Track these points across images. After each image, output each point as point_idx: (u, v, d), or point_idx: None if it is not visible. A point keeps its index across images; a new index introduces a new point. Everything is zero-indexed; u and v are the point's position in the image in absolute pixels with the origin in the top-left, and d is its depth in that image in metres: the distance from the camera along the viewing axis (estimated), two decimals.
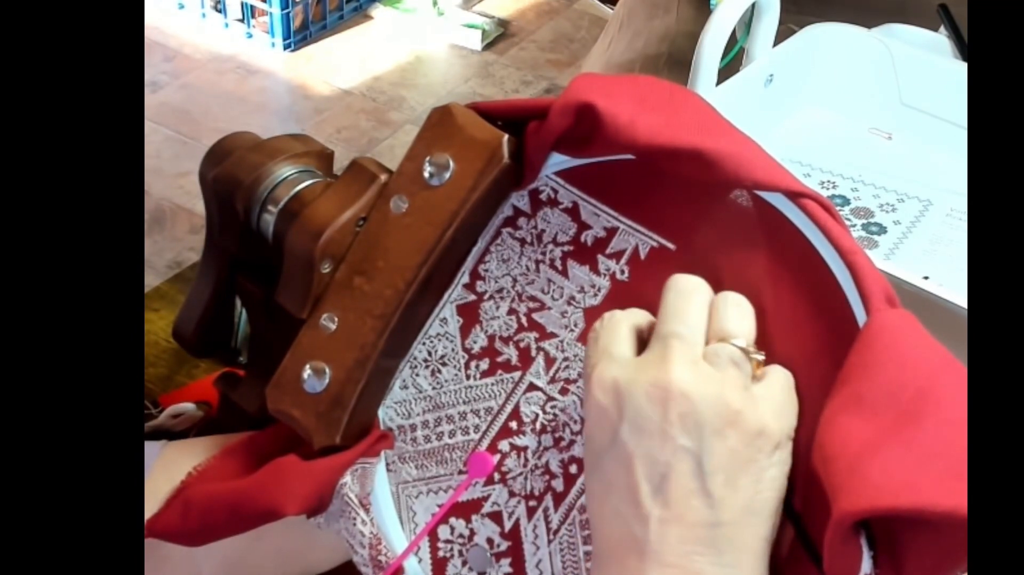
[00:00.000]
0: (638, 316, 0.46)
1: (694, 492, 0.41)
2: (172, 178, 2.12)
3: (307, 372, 0.50)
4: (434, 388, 0.52)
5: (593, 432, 0.43)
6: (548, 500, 0.50)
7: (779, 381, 0.44)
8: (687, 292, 0.44)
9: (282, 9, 2.46)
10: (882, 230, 0.77)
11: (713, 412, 0.41)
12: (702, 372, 0.42)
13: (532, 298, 0.51)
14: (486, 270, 0.51)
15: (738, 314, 0.44)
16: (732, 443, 0.41)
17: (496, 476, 0.51)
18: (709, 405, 0.41)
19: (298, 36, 2.54)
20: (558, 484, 0.50)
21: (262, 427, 0.55)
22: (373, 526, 0.52)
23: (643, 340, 0.45)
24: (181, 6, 2.61)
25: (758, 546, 0.41)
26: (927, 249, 0.75)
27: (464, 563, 0.52)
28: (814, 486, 0.41)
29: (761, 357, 0.44)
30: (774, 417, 0.42)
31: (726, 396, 0.41)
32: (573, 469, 0.49)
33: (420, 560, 0.53)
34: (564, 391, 0.50)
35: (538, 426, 0.50)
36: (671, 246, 0.48)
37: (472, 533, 0.52)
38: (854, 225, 0.77)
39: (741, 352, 0.43)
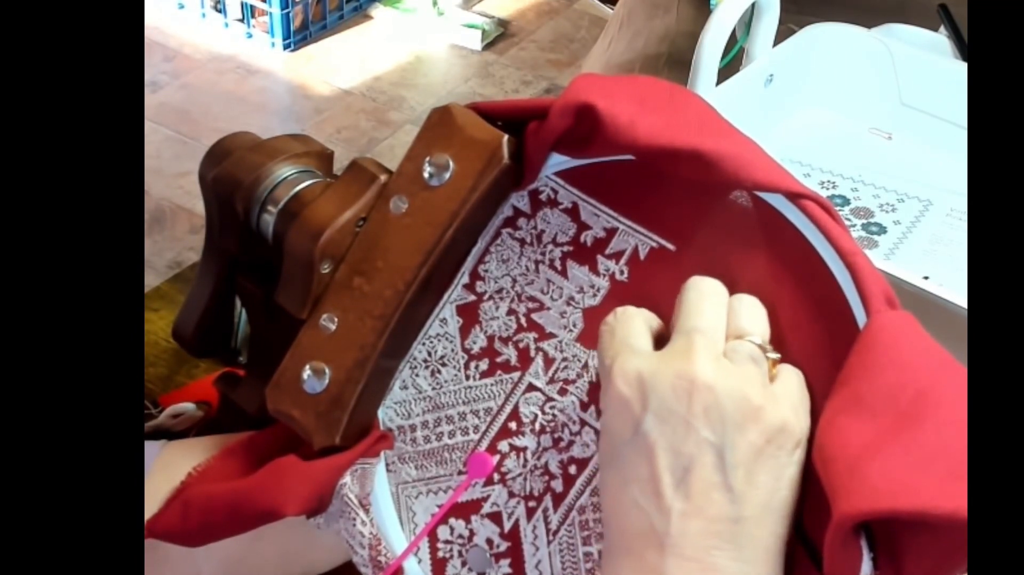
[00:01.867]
0: (649, 314, 0.46)
1: (716, 486, 0.41)
2: (172, 178, 2.12)
3: (307, 372, 0.50)
4: (434, 388, 0.52)
5: (613, 424, 0.43)
6: (547, 501, 0.50)
7: (793, 380, 0.44)
8: (707, 293, 0.44)
9: (282, 9, 2.46)
10: (882, 230, 0.77)
11: (735, 406, 0.41)
12: (724, 367, 0.42)
13: (531, 298, 0.51)
14: (486, 270, 0.51)
15: (753, 314, 0.45)
16: (753, 438, 0.41)
17: (496, 477, 0.51)
18: (731, 399, 0.41)
19: (298, 36, 2.54)
20: (557, 485, 0.50)
21: (262, 427, 0.55)
22: (373, 526, 0.52)
23: (656, 339, 0.45)
24: (181, 6, 2.61)
25: (775, 544, 0.42)
26: (927, 249, 0.75)
27: (464, 564, 0.52)
28: (814, 487, 0.41)
29: (777, 356, 0.44)
30: (794, 414, 0.42)
31: (747, 391, 0.41)
32: (572, 470, 0.49)
33: (420, 561, 0.53)
34: (563, 392, 0.50)
35: (537, 427, 0.50)
36: (671, 247, 0.48)
37: (472, 534, 0.52)
38: (854, 225, 0.77)
39: (759, 349, 0.43)
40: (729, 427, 0.41)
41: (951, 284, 0.62)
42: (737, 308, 0.44)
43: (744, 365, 0.42)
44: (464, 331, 0.52)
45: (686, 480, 0.41)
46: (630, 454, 0.42)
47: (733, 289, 0.45)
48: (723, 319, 0.44)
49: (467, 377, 0.52)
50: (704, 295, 0.44)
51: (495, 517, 0.51)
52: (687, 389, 0.41)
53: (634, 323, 0.45)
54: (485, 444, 0.51)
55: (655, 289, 0.47)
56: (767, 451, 0.41)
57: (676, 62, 1.02)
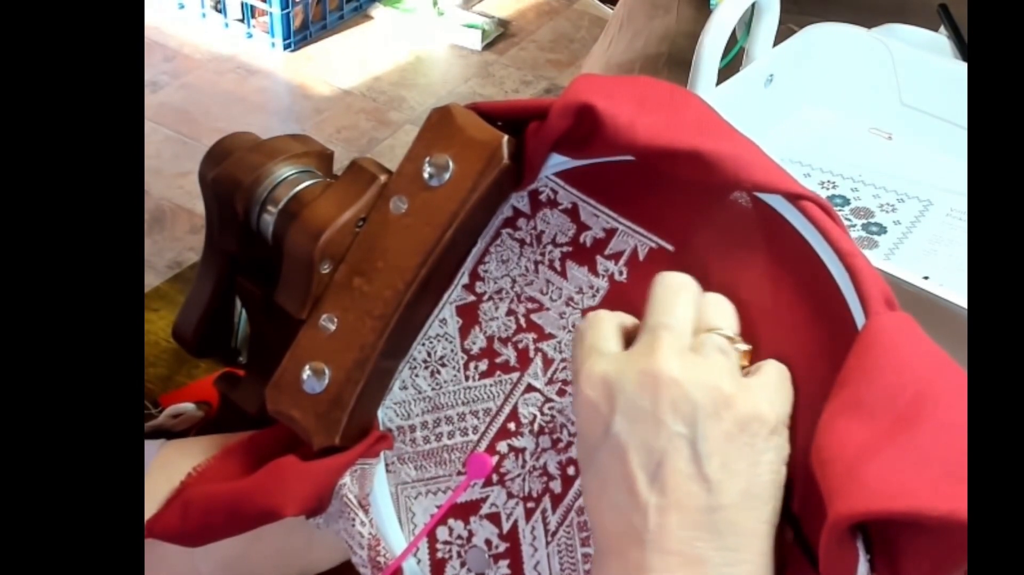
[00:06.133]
0: (623, 316, 0.46)
1: (691, 477, 0.41)
2: (172, 178, 2.12)
3: (306, 373, 0.50)
4: (433, 389, 0.52)
5: (585, 428, 0.43)
6: (546, 501, 0.50)
7: (772, 370, 0.44)
8: (675, 288, 0.44)
9: (282, 9, 2.46)
10: (882, 230, 0.77)
11: (705, 397, 0.41)
12: (690, 360, 0.42)
13: (531, 299, 0.51)
14: (485, 271, 0.51)
15: (720, 308, 0.45)
16: (726, 426, 0.41)
17: (495, 477, 0.51)
18: (700, 390, 0.41)
19: (298, 36, 2.54)
20: (556, 486, 0.50)
21: (262, 427, 0.55)
22: (372, 527, 0.52)
23: (629, 339, 0.45)
24: (181, 6, 2.61)
25: (761, 529, 0.41)
26: (927, 249, 0.75)
27: (463, 564, 0.52)
28: (812, 489, 0.41)
29: (746, 347, 0.44)
30: (768, 403, 0.42)
31: (716, 381, 0.41)
32: (571, 471, 0.49)
33: (419, 561, 0.53)
34: (562, 392, 0.50)
35: (536, 427, 0.50)
36: (670, 247, 0.48)
37: (471, 534, 0.52)
38: (854, 225, 0.77)
39: (727, 340, 0.43)
40: (700, 417, 0.41)
41: (951, 284, 0.62)
42: (703, 304, 0.44)
43: (712, 356, 0.42)
44: (464, 331, 0.52)
45: (660, 475, 0.41)
46: (604, 456, 0.42)
47: (732, 290, 0.45)
48: (692, 315, 0.44)
49: (466, 378, 0.52)
50: (672, 290, 0.44)
51: (494, 518, 0.51)
52: (652, 385, 0.41)
53: (603, 327, 0.45)
54: (484, 445, 0.51)
55: None
56: (741, 439, 0.41)
57: (676, 62, 1.02)
